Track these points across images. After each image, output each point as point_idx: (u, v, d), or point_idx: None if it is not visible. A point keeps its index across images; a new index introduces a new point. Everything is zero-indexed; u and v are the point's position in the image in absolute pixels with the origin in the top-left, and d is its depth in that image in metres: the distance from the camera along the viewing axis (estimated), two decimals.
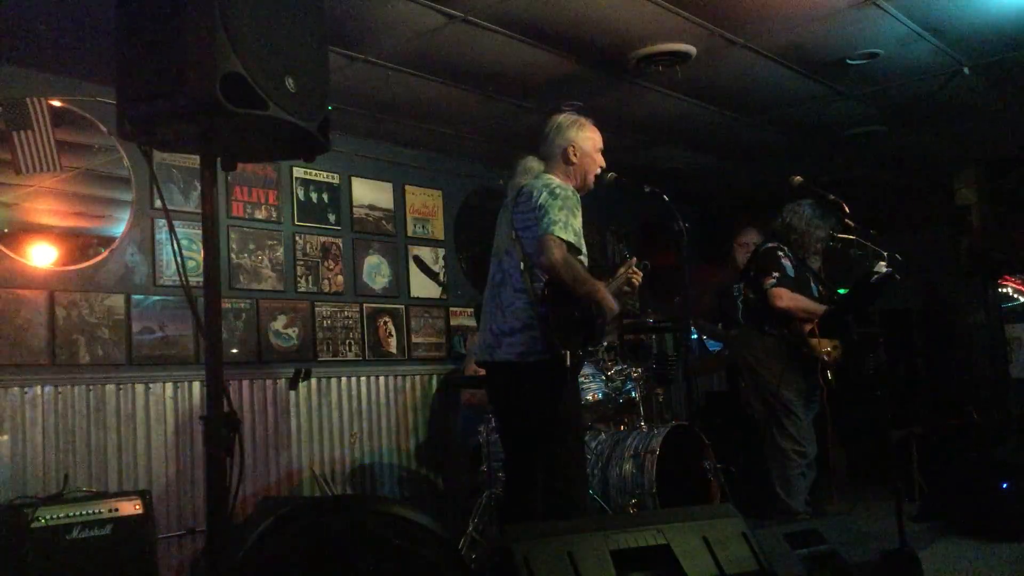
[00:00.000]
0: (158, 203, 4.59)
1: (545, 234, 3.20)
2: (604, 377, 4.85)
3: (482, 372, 3.67)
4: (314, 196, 5.42)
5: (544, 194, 3.31)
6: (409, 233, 5.94)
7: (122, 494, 3.96)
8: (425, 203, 6.08)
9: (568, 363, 3.18)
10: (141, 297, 4.53)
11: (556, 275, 3.20)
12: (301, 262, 5.29)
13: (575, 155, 3.50)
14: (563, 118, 3.56)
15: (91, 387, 4.29)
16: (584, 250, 3.36)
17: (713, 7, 4.04)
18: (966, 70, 4.99)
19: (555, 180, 3.41)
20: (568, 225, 3.23)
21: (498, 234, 3.54)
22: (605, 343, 4.76)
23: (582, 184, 3.53)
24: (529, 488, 3.38)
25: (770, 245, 4.60)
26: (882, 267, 4.22)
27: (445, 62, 4.48)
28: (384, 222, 5.80)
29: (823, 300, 4.57)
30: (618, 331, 5.06)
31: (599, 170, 3.58)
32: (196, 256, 4.55)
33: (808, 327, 4.43)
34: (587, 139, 3.54)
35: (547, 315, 3.22)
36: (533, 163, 3.50)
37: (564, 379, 3.28)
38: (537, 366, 3.26)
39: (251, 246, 5.05)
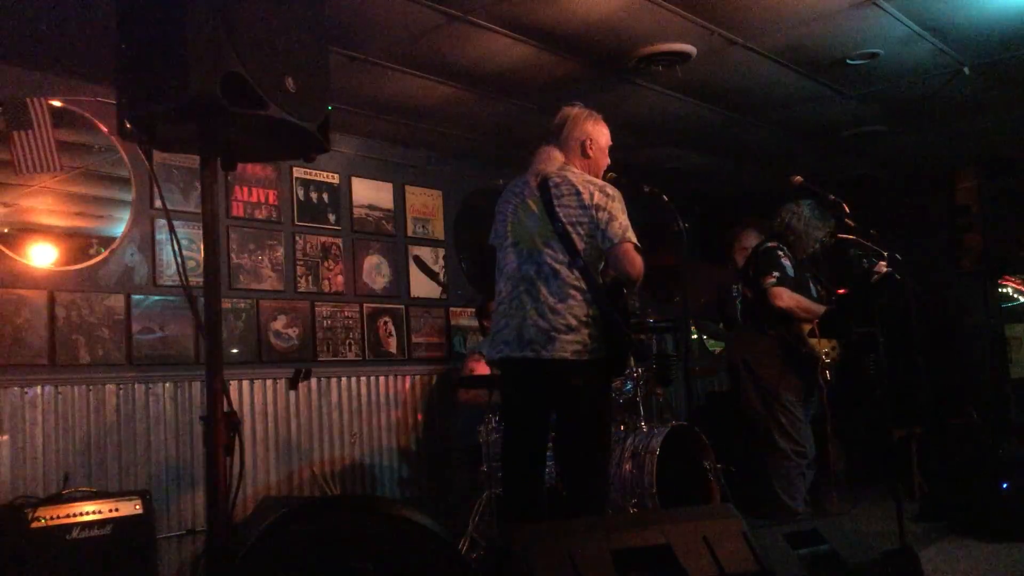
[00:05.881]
0: (158, 203, 4.59)
1: (625, 242, 3.26)
2: None
3: (485, 370, 3.65)
4: (314, 196, 5.42)
5: (597, 193, 3.30)
6: (409, 233, 5.94)
7: (122, 494, 3.96)
8: (425, 203, 6.08)
9: (633, 359, 3.23)
10: (141, 297, 4.53)
11: (639, 282, 3.30)
12: (301, 262, 5.29)
13: (591, 149, 3.47)
14: (577, 111, 3.51)
15: (91, 387, 4.29)
16: None
17: (713, 7, 4.04)
18: (966, 70, 4.99)
19: (588, 175, 3.40)
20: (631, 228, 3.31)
21: (516, 223, 3.41)
22: None
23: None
24: (538, 487, 3.40)
25: (769, 244, 4.59)
26: (882, 267, 4.23)
27: (445, 62, 4.48)
28: (384, 222, 5.80)
29: (822, 300, 4.57)
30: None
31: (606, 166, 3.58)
32: (196, 256, 4.55)
33: (807, 327, 4.43)
34: (601, 134, 3.52)
35: (612, 314, 3.26)
36: (556, 153, 3.44)
37: (612, 377, 3.31)
38: (591, 364, 3.27)
39: (251, 246, 5.05)
